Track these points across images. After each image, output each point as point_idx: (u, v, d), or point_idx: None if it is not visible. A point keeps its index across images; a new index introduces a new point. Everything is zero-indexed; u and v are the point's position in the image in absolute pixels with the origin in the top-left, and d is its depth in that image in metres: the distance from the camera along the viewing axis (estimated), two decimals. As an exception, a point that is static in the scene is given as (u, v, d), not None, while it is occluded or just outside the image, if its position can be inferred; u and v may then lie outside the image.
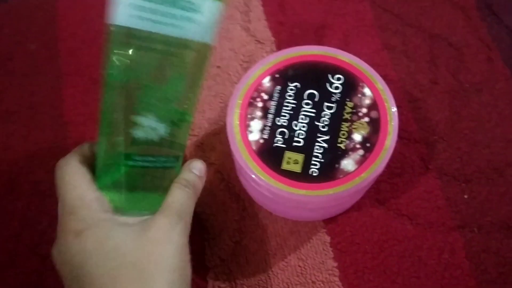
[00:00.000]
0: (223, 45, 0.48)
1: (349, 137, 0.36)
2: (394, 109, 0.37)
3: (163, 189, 0.32)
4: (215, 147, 0.44)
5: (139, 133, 0.30)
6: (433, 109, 0.45)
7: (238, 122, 0.37)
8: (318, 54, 0.39)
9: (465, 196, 0.41)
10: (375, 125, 0.36)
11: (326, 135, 0.36)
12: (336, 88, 0.37)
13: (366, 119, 0.36)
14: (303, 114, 0.37)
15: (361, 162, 0.35)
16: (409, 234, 0.40)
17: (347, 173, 0.35)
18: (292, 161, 0.35)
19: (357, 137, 0.36)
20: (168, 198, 0.31)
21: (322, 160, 0.35)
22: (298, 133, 0.36)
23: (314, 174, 0.35)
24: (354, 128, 0.36)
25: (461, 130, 0.44)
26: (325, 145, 0.36)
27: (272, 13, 0.50)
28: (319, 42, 0.48)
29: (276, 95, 0.37)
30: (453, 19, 0.49)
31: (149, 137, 0.30)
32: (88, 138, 0.44)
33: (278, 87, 0.38)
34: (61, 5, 0.51)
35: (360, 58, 0.47)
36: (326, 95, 0.37)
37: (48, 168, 0.44)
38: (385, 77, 0.46)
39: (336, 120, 0.36)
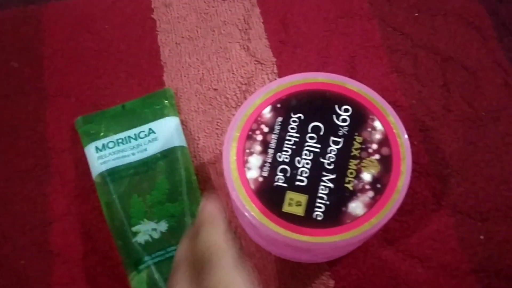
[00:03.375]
0: (220, 66, 0.45)
1: (357, 177, 0.32)
2: (408, 145, 0.33)
3: None
4: (210, 178, 0.40)
5: (140, 239, 0.36)
6: (446, 139, 0.41)
7: (235, 158, 0.33)
8: (324, 82, 0.36)
9: (481, 237, 0.38)
10: (387, 164, 0.33)
11: (332, 173, 0.33)
12: (344, 120, 0.34)
13: (377, 156, 0.33)
14: (307, 150, 0.33)
15: (370, 206, 0.32)
16: (420, 279, 0.37)
17: (355, 218, 0.31)
18: (295, 203, 0.32)
19: (366, 176, 0.32)
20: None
21: (328, 202, 0.32)
22: (301, 171, 0.33)
23: (319, 218, 0.31)
24: (363, 167, 0.33)
25: (476, 162, 0.41)
26: (331, 185, 0.32)
27: (274, 32, 0.46)
28: (323, 63, 0.45)
29: (277, 127, 0.34)
30: (468, 40, 0.45)
31: (153, 237, 0.36)
32: (73, 167, 0.41)
33: (280, 119, 0.34)
34: (46, 19, 0.48)
35: (368, 81, 0.44)
36: (332, 129, 0.34)
37: (28, 197, 0.40)
38: (394, 103, 0.43)
39: (344, 157, 0.33)
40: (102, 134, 0.40)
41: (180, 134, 0.40)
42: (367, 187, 0.32)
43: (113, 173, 0.38)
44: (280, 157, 0.33)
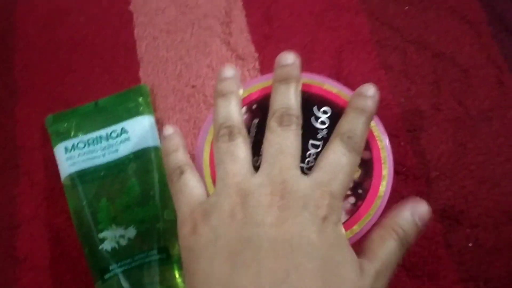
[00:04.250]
0: (199, 61, 0.42)
1: None
2: (389, 148, 0.31)
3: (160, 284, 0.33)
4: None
5: (106, 246, 0.34)
6: (435, 140, 0.39)
7: (208, 162, 0.31)
8: (302, 83, 0.33)
9: (470, 244, 0.36)
10: (367, 168, 0.31)
11: None
12: (323, 123, 0.32)
13: None
14: None
15: (352, 212, 0.30)
16: (405, 288, 0.35)
17: None
18: None
19: None
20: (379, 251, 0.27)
21: None
22: None
23: None
24: None
25: (466, 165, 0.38)
26: None
27: (256, 25, 0.44)
28: (308, 59, 0.42)
29: (253, 130, 0.32)
30: (461, 35, 0.43)
31: (120, 244, 0.34)
32: (42, 167, 0.39)
33: (256, 120, 0.32)
34: (20, 11, 0.45)
35: (354, 77, 0.42)
36: (311, 131, 0.32)
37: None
38: (381, 101, 0.41)
39: None
40: (72, 133, 0.38)
41: (155, 134, 0.38)
42: (348, 192, 0.30)
43: (82, 175, 0.36)
44: (257, 161, 0.31)
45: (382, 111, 0.40)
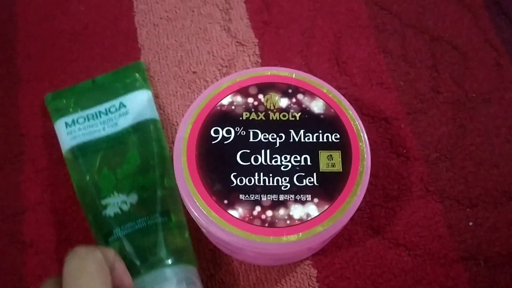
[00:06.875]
0: (200, 48, 0.43)
1: None
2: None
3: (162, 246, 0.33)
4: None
5: (109, 212, 0.34)
6: (435, 122, 0.40)
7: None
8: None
9: (470, 223, 0.37)
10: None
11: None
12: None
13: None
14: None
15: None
16: (406, 267, 0.35)
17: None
18: None
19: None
20: None
21: None
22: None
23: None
24: None
25: (466, 146, 0.39)
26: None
27: (256, 11, 0.44)
28: (307, 44, 0.43)
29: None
30: (458, 19, 0.44)
31: (122, 209, 0.34)
32: (46, 154, 0.40)
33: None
34: (20, 2, 0.46)
35: (354, 63, 0.42)
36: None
37: (0, 187, 0.39)
38: (381, 85, 0.41)
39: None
40: (71, 109, 0.38)
41: (152, 107, 0.39)
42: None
43: (83, 148, 0.37)
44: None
45: (382, 95, 0.41)
